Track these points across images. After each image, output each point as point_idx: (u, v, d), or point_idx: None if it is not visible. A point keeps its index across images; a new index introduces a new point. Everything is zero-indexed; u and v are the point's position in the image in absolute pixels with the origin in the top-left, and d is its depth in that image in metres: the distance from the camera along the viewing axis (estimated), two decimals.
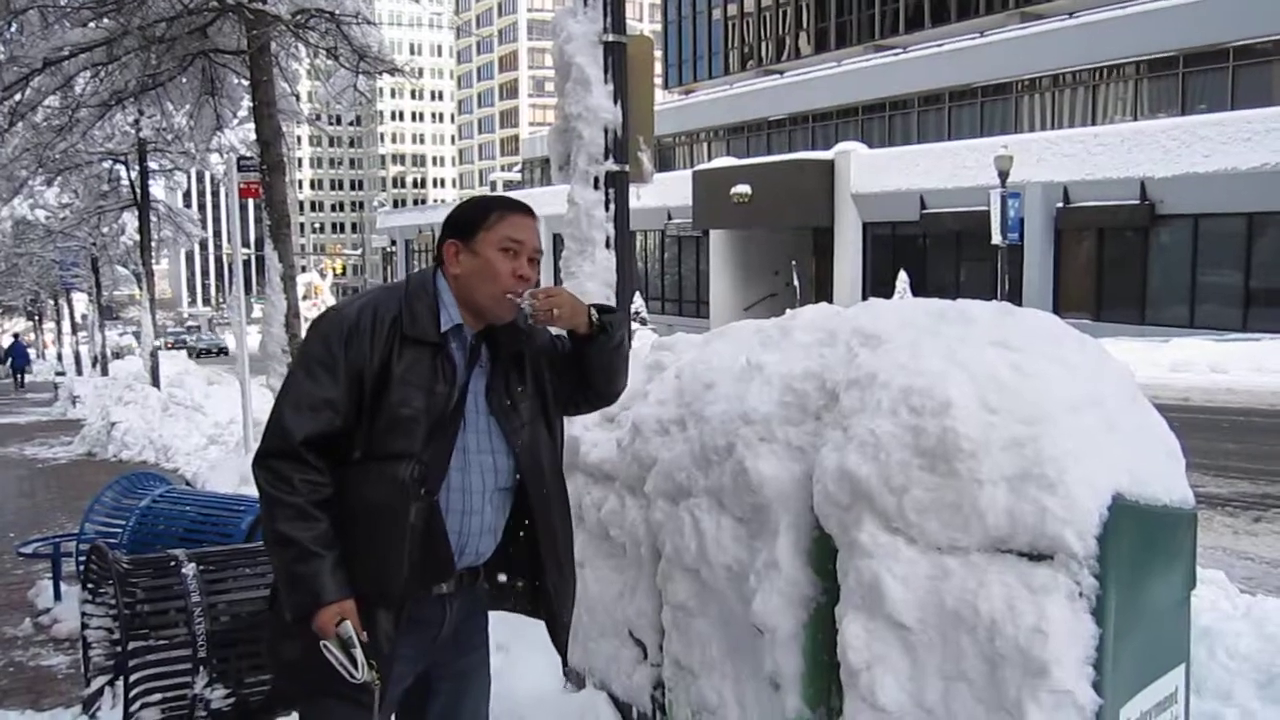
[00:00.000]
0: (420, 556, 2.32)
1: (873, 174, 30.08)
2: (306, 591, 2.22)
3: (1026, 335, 2.47)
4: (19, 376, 37.55)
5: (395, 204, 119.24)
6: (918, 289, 26.89)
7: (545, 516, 2.50)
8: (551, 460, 2.53)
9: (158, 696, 4.12)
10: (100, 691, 4.52)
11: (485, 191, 61.63)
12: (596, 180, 5.25)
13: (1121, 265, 24.98)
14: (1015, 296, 23.64)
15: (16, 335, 49.41)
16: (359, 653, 2.21)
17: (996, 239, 23.38)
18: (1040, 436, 2.20)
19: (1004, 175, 22.98)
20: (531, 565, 2.52)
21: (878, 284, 29.25)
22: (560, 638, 2.62)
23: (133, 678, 4.06)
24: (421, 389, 2.31)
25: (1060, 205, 25.44)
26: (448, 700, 2.52)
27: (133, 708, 4.05)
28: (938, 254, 29.49)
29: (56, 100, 13.24)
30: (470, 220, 2.43)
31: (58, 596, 6.48)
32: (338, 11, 11.13)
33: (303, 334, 2.30)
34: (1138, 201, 23.68)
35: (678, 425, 3.13)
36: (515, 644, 3.80)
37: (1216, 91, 25.57)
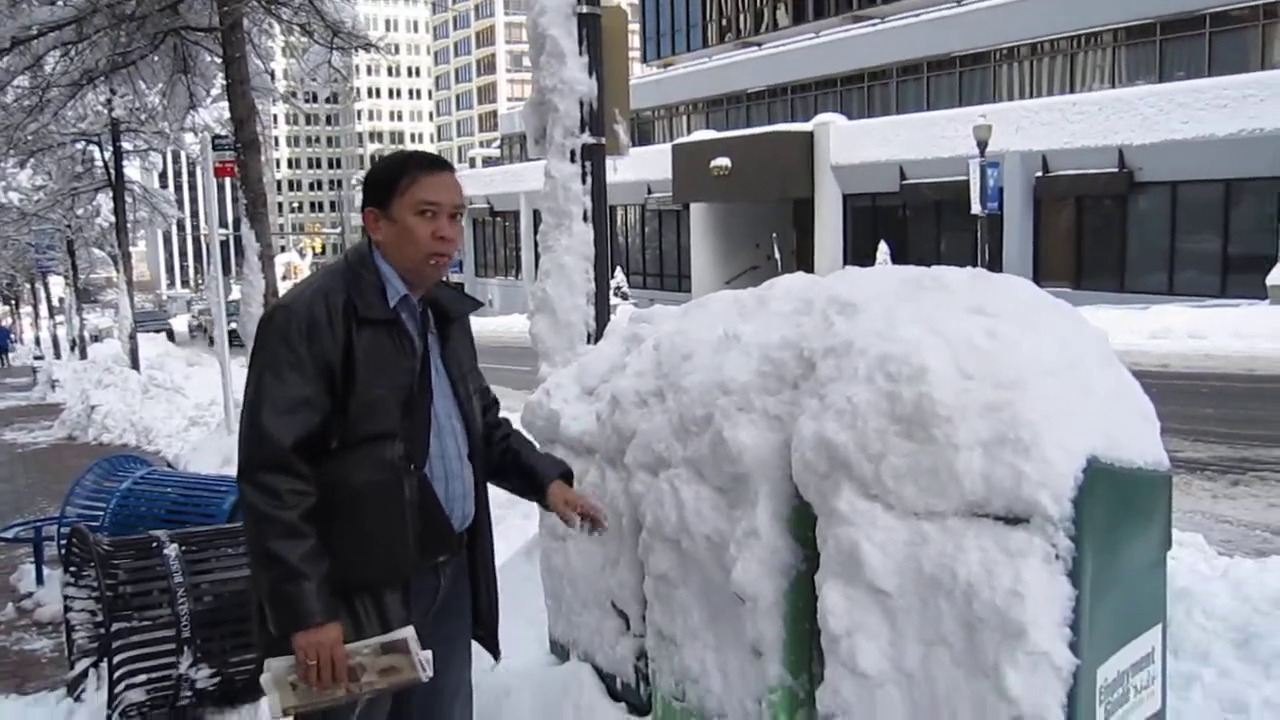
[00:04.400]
0: (422, 530, 2.35)
1: (852, 145, 30.01)
2: (292, 613, 2.20)
3: (1002, 301, 2.48)
4: (3, 355, 38.11)
5: None
6: (898, 260, 26.87)
7: (483, 487, 2.58)
8: (479, 430, 2.57)
9: (142, 677, 4.12)
10: (85, 674, 4.51)
11: (465, 169, 61.31)
12: (573, 153, 5.22)
13: (1100, 233, 25.06)
14: (995, 266, 23.67)
15: None
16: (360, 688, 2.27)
17: (976, 209, 23.39)
18: (1015, 401, 2.20)
19: (983, 145, 22.97)
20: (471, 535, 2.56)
21: (858, 255, 29.25)
22: (482, 604, 2.64)
23: (117, 659, 4.06)
24: (386, 367, 2.31)
25: (1039, 174, 25.47)
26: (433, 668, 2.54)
27: (117, 689, 4.05)
28: (918, 225, 29.50)
29: (26, 80, 13.07)
30: (383, 185, 2.39)
31: (40, 581, 6.47)
32: None
33: None
34: (1116, 169, 23.73)
35: (656, 397, 3.13)
36: (500, 617, 3.81)
37: (1194, 58, 25.59)
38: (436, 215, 2.37)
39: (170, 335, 49.05)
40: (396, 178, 2.38)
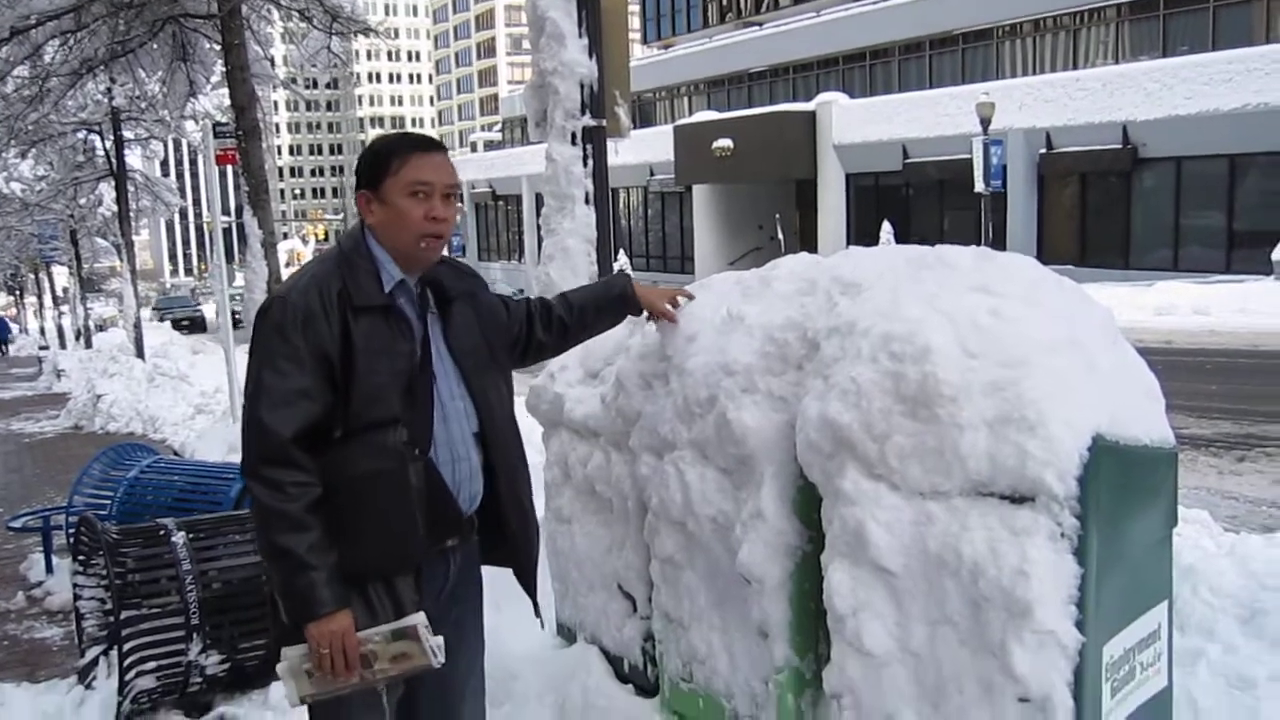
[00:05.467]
0: (429, 515, 2.34)
1: (855, 125, 29.92)
2: (303, 603, 2.22)
3: (1005, 279, 2.47)
4: (3, 347, 38.44)
5: None
6: (902, 239, 26.82)
7: (503, 459, 2.52)
8: (501, 403, 2.54)
9: (152, 664, 4.14)
10: (95, 661, 4.53)
11: (467, 153, 61.16)
12: (574, 136, 5.21)
13: (1105, 210, 24.98)
14: (999, 244, 23.62)
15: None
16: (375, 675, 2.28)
17: (979, 187, 23.34)
18: (1020, 380, 2.20)
19: (986, 122, 22.90)
20: (495, 510, 2.53)
21: (861, 235, 29.21)
22: (528, 580, 2.65)
23: (126, 647, 4.08)
24: (385, 353, 2.30)
25: (1043, 151, 25.39)
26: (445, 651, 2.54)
27: (128, 676, 4.07)
28: (921, 203, 29.42)
29: (26, 70, 13.06)
30: (374, 167, 2.38)
31: (49, 569, 6.49)
32: None
33: None
34: (1120, 145, 23.64)
35: (660, 379, 3.13)
36: (507, 601, 3.82)
37: (1198, 33, 25.46)
38: (429, 196, 2.35)
39: (201, 325, 44.03)
40: (387, 159, 2.36)
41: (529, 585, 2.66)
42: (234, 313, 13.16)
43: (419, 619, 2.29)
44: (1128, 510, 2.29)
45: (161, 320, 44.96)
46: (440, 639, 2.32)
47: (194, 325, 43.74)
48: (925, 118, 27.70)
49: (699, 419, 2.85)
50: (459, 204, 2.55)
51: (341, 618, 2.23)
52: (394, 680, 2.34)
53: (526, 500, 2.61)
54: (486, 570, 2.67)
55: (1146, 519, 2.39)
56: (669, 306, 3.03)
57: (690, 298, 3.09)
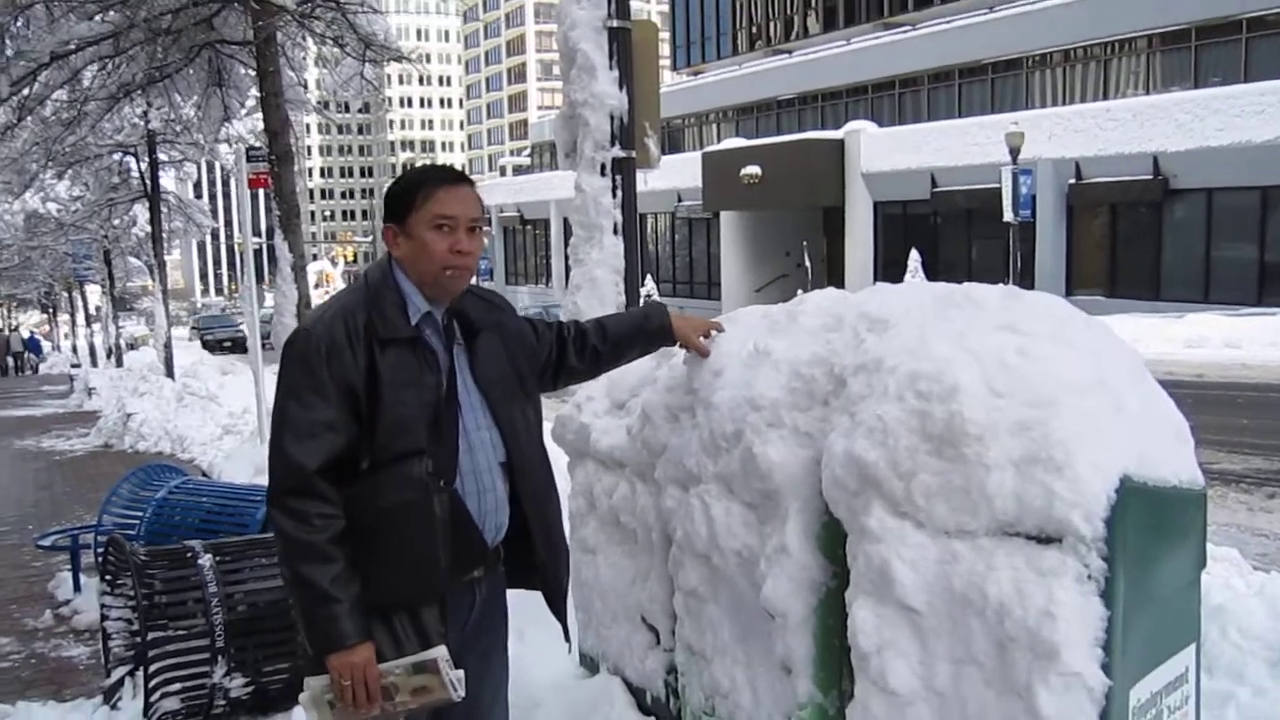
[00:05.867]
0: (454, 546, 2.35)
1: (883, 153, 29.91)
2: (325, 635, 2.24)
3: (1033, 318, 2.47)
4: (34, 363, 39.49)
5: None
6: (929, 268, 26.77)
7: (531, 487, 2.52)
8: (529, 432, 2.55)
9: (177, 686, 4.17)
10: (121, 682, 4.57)
11: (495, 177, 61.53)
12: (603, 167, 5.25)
13: (1135, 241, 24.82)
14: (1027, 274, 23.54)
15: (32, 331, 50.45)
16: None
17: (1008, 216, 23.24)
18: (1047, 420, 2.19)
19: (1015, 152, 22.84)
20: (523, 538, 2.53)
21: (889, 263, 29.14)
22: (558, 606, 2.66)
23: (152, 668, 4.11)
24: (411, 385, 2.32)
25: (1072, 181, 25.28)
26: (470, 682, 2.53)
27: (153, 697, 4.10)
28: (949, 232, 29.34)
29: (65, 94, 13.27)
30: (400, 202, 2.41)
31: (77, 588, 6.55)
32: (343, 0, 11.13)
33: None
34: (1151, 176, 23.51)
35: (686, 412, 3.13)
36: (530, 629, 3.83)
37: (1230, 64, 25.33)
38: (453, 229, 2.37)
39: (243, 346, 36.54)
40: (412, 193, 2.39)
41: (559, 611, 2.67)
42: (264, 337, 13.24)
43: (440, 653, 2.30)
44: (1156, 552, 2.27)
45: (203, 343, 42.51)
46: (460, 672, 2.33)
47: (235, 346, 40.62)
48: (954, 147, 27.65)
49: (725, 453, 2.86)
50: (486, 230, 2.57)
51: (363, 650, 2.25)
52: (415, 713, 2.35)
53: (556, 528, 2.62)
54: (510, 598, 2.68)
55: (1175, 561, 2.38)
56: (702, 340, 3.05)
57: (721, 330, 3.09)
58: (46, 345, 49.71)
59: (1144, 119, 23.56)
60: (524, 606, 2.73)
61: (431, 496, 2.32)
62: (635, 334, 2.93)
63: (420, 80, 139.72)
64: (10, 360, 41.02)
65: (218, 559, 4.35)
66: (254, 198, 12.20)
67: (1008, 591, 2.15)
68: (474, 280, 2.53)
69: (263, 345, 12.81)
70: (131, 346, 38.01)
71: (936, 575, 2.28)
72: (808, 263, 31.12)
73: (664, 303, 3.05)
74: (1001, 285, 2.68)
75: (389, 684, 2.27)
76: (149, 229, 22.06)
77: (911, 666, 2.32)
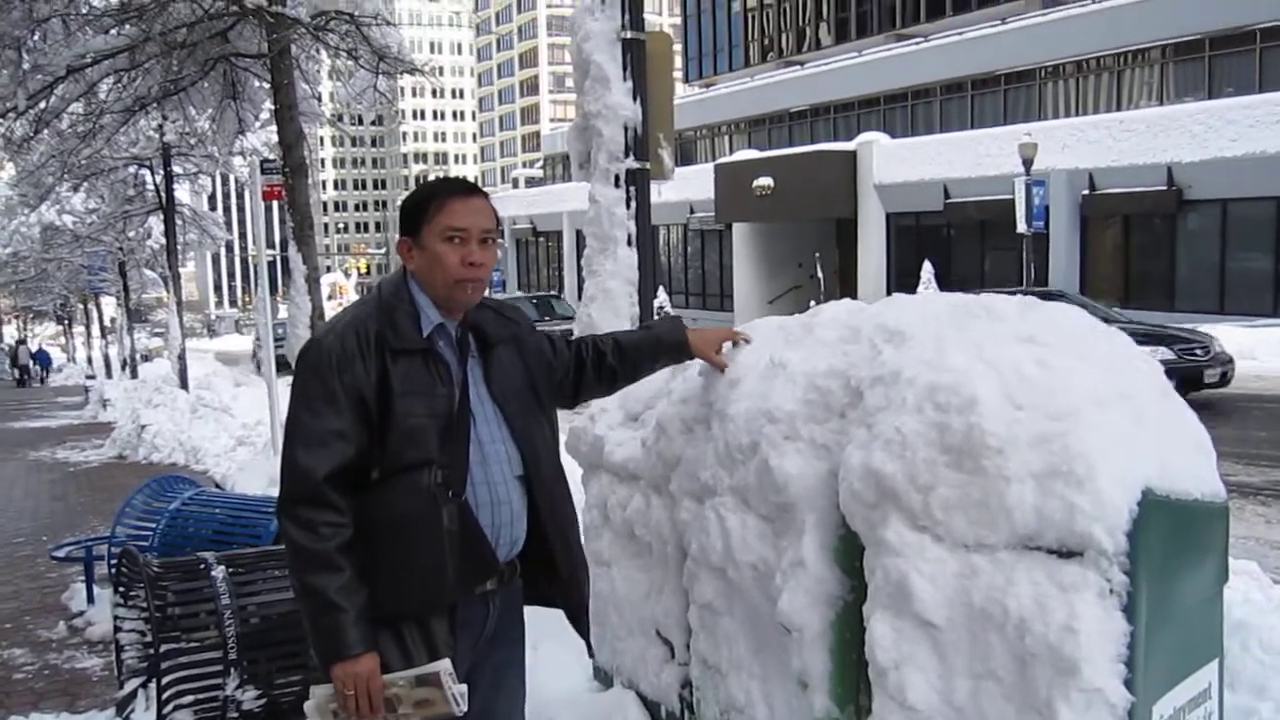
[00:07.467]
0: (462, 558, 2.33)
1: (896, 164, 29.87)
2: (330, 644, 2.25)
3: (1052, 330, 2.45)
4: (44, 375, 39.62)
5: None
6: (942, 279, 26.68)
7: (549, 501, 2.51)
8: (546, 445, 2.54)
9: (190, 698, 4.16)
10: (134, 694, 4.56)
11: (508, 189, 61.68)
12: (617, 178, 5.24)
13: (1149, 252, 24.73)
14: (1041, 285, 23.44)
15: (42, 345, 50.97)
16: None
17: (1021, 228, 23.16)
18: (1068, 432, 2.17)
19: (1028, 163, 22.78)
20: (543, 553, 2.52)
21: (902, 275, 29.08)
22: (580, 622, 2.64)
23: (165, 680, 4.10)
24: (422, 396, 2.31)
25: (1086, 192, 25.19)
26: (486, 695, 2.53)
27: (166, 709, 4.09)
28: (962, 244, 29.27)
29: (81, 107, 13.36)
30: (414, 214, 2.41)
31: (90, 599, 6.56)
32: (357, 13, 11.17)
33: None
34: (1165, 187, 23.42)
35: (701, 424, 3.12)
36: (545, 643, 3.81)
37: (1244, 74, 25.25)
38: (465, 241, 2.38)
39: (285, 365, 39.11)
40: (425, 206, 2.39)
41: (581, 626, 2.65)
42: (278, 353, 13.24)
43: (443, 665, 2.29)
44: (1178, 566, 2.25)
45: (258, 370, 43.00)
46: (463, 687, 2.31)
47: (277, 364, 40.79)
48: (967, 158, 27.60)
49: (740, 465, 2.84)
50: (499, 241, 2.57)
51: (368, 660, 2.24)
52: None
53: (574, 542, 2.61)
54: (525, 611, 2.66)
55: (1197, 575, 2.35)
56: (718, 354, 3.04)
57: (748, 341, 3.08)
58: (62, 357, 49.95)
59: (1158, 130, 23.49)
60: (537, 620, 2.71)
61: (440, 507, 2.31)
62: (652, 351, 2.92)
63: (433, 93, 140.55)
64: (17, 372, 41.40)
65: (231, 571, 4.35)
66: (268, 210, 12.22)
67: (1028, 606, 2.13)
68: (486, 292, 2.53)
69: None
70: (145, 358, 38.13)
71: (955, 589, 2.26)
72: (820, 274, 31.07)
73: (678, 315, 3.04)
74: (1019, 296, 2.66)
75: (392, 695, 2.26)
76: (164, 241, 22.15)
77: (930, 682, 2.30)
